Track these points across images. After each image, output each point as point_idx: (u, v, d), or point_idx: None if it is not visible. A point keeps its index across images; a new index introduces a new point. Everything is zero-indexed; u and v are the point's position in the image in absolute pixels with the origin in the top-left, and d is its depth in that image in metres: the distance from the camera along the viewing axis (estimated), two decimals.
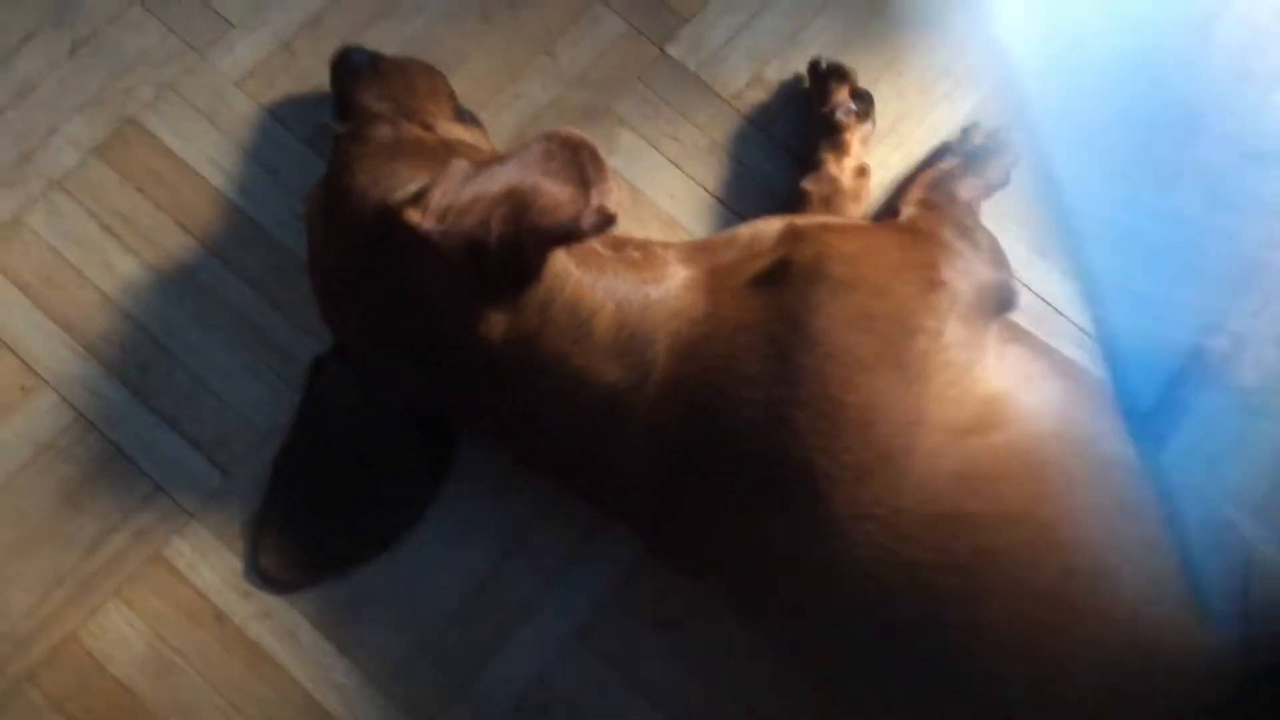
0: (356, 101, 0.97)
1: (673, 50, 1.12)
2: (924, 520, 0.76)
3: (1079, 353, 1.02)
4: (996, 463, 0.78)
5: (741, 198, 1.08)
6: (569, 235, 0.78)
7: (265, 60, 1.10)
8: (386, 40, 1.11)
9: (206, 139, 1.08)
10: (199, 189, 1.06)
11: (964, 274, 0.85)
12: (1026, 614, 0.75)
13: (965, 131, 1.08)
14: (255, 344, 1.03)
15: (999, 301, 0.87)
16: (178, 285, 1.04)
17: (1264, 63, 1.08)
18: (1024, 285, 1.05)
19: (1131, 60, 1.02)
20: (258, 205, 1.06)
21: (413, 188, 0.81)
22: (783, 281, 0.82)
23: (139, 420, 1.00)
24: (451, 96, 1.02)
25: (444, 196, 0.79)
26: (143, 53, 1.10)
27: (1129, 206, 0.97)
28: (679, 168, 1.09)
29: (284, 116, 1.09)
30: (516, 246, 0.78)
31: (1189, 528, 0.78)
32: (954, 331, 0.81)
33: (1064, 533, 0.76)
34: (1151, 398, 0.88)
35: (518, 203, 0.78)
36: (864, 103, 1.07)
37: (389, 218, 0.80)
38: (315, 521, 0.97)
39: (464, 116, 1.02)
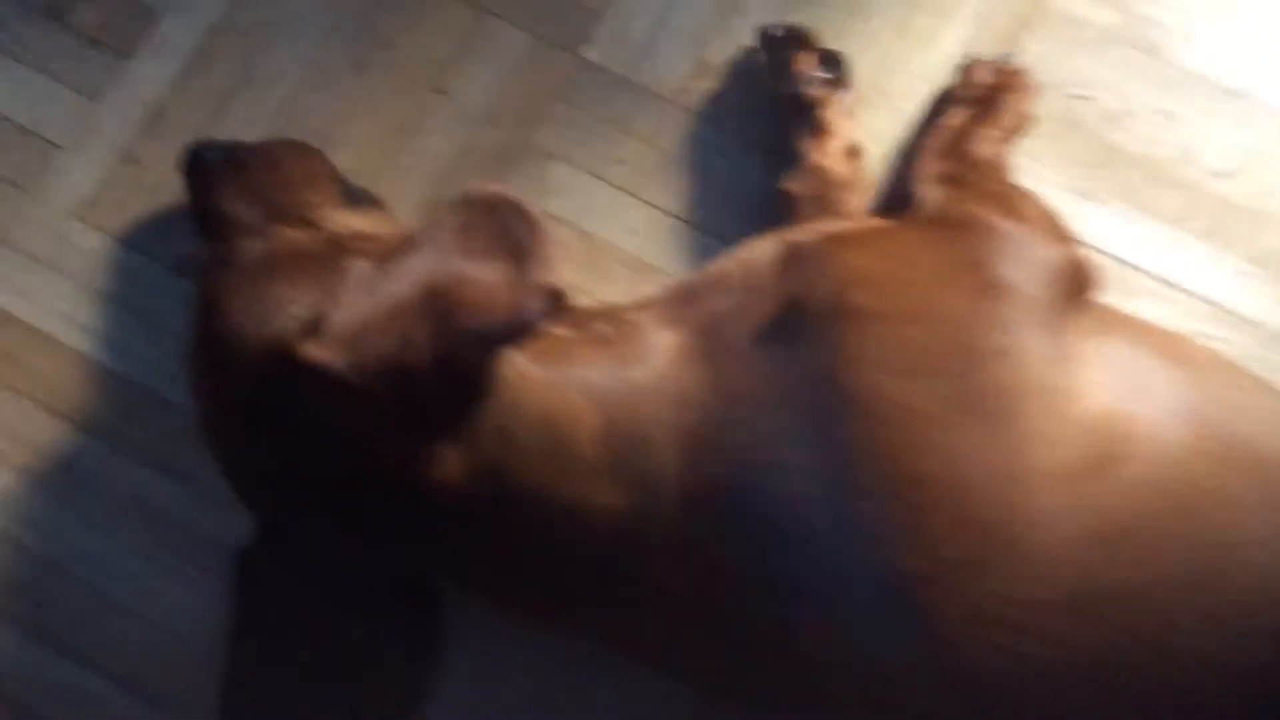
0: (216, 210, 0.83)
1: (590, 54, 0.97)
2: (1060, 607, 0.61)
3: (1169, 312, 0.86)
4: (1132, 506, 0.62)
5: (714, 216, 0.94)
6: (513, 331, 0.63)
7: (107, 180, 0.96)
8: (246, 123, 0.96)
9: (55, 293, 0.94)
10: (59, 358, 0.93)
11: (1023, 262, 0.69)
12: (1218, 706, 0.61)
13: (964, 71, 0.92)
14: (163, 533, 0.89)
15: (1075, 284, 0.71)
16: (58, 485, 0.90)
17: None
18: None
19: None
20: (133, 362, 0.93)
21: (303, 313, 0.68)
22: (798, 333, 0.67)
23: (47, 669, 0.86)
24: (334, 176, 0.88)
25: (347, 316, 0.65)
26: None
27: None
28: (632, 195, 0.95)
29: (142, 244, 0.95)
30: (453, 362, 0.64)
31: None
32: (1031, 345, 0.66)
33: (1246, 581, 0.61)
34: None
35: (440, 305, 0.64)
36: (835, 66, 0.92)
37: (282, 358, 0.65)
38: None
39: (355, 197, 0.88)
